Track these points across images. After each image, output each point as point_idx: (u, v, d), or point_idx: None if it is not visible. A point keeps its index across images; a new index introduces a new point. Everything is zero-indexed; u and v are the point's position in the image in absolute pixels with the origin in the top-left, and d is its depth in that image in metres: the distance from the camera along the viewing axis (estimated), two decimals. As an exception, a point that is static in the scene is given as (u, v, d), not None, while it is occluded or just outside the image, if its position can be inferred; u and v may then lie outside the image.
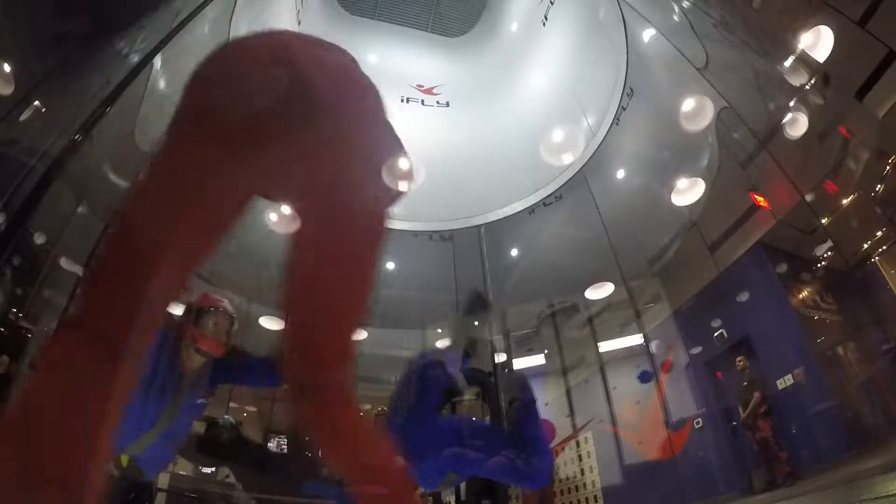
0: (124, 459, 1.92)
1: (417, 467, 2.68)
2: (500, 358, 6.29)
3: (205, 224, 0.94)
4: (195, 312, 1.85)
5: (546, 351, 6.77)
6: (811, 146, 4.12)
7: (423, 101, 7.28)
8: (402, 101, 7.09)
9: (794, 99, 3.88)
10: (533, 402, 3.02)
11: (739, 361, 5.08)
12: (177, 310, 1.72)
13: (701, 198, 5.29)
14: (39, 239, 3.34)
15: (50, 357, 0.88)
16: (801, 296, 5.08)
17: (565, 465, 6.51)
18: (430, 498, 4.58)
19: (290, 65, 0.91)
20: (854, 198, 4.27)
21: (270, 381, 2.01)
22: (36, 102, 2.90)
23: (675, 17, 4.88)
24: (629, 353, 6.25)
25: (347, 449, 1.05)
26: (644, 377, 5.92)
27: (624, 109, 5.66)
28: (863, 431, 4.18)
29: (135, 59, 3.69)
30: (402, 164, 0.83)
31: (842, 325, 5.04)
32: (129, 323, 0.86)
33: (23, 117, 2.85)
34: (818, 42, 3.34)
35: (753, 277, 5.16)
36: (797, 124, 3.89)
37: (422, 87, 7.42)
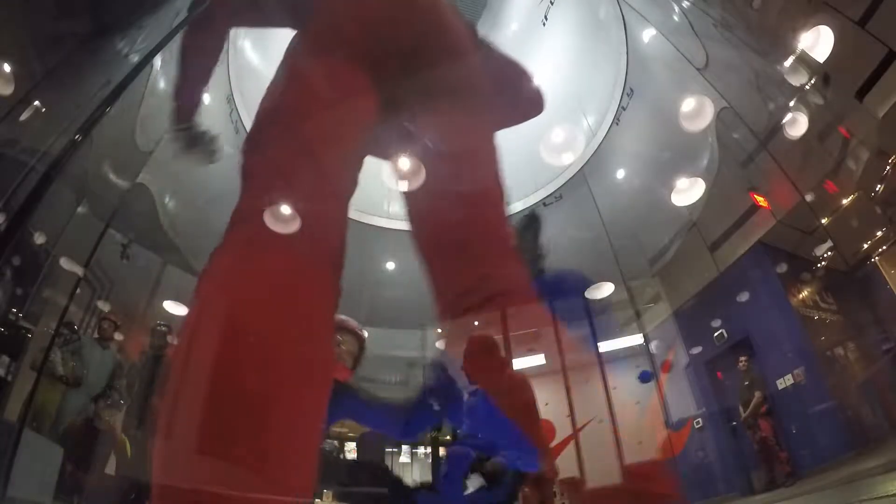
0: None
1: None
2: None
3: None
4: None
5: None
6: (811, 146, 4.12)
7: (423, 101, 7.29)
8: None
9: (794, 99, 3.87)
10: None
11: (742, 361, 5.08)
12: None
13: (701, 198, 5.28)
14: (39, 239, 3.34)
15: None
16: (801, 296, 5.08)
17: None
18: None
19: None
20: (854, 198, 4.26)
21: (396, 432, 1.97)
22: (36, 102, 2.89)
23: (675, 17, 4.88)
24: (629, 353, 6.25)
25: None
26: (644, 377, 5.92)
27: (624, 109, 5.66)
28: (863, 431, 4.18)
29: (135, 59, 3.69)
30: (404, 164, 0.85)
31: (842, 325, 5.05)
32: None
33: (23, 117, 2.85)
34: (818, 42, 3.34)
35: (753, 277, 5.16)
36: (797, 124, 3.88)
37: (422, 87, 7.41)
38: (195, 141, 1.31)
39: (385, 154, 1.25)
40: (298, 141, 0.95)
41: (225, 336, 0.74)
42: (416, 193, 1.17)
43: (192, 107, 1.31)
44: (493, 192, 1.15)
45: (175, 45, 3.97)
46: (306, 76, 1.08)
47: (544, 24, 6.73)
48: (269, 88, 1.08)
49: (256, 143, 1.02)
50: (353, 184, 1.07)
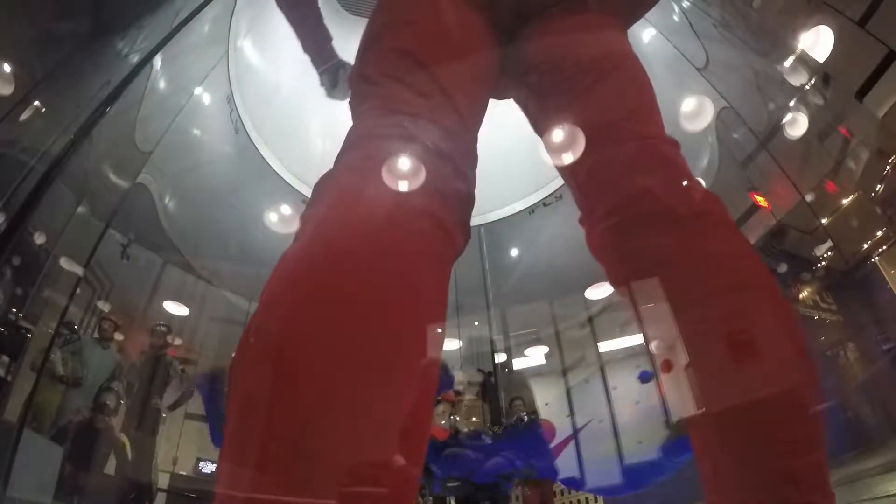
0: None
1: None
2: (500, 358, 6.29)
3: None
4: None
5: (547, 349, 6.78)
6: (811, 146, 4.12)
7: (423, 101, 7.28)
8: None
9: (794, 99, 3.87)
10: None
11: (741, 361, 5.08)
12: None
13: (701, 198, 5.28)
14: (39, 239, 3.34)
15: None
16: (801, 296, 5.07)
17: (565, 465, 6.51)
18: (431, 499, 4.58)
19: None
20: (854, 198, 4.26)
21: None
22: (36, 102, 2.89)
23: (675, 17, 4.88)
24: (629, 352, 6.25)
25: None
26: (644, 377, 5.92)
27: (624, 109, 5.66)
28: (863, 431, 4.18)
29: (135, 59, 3.69)
30: (404, 164, 0.83)
31: (842, 325, 5.04)
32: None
33: (23, 117, 2.85)
34: (818, 42, 3.34)
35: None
36: (797, 124, 3.88)
37: (422, 87, 7.41)
38: (335, 79, 1.26)
39: (504, 94, 1.16)
40: (417, 69, 0.85)
41: (326, 268, 0.61)
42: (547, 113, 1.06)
43: (321, 52, 1.26)
44: (642, 87, 1.02)
45: (178, 43, 3.98)
46: (408, 7, 0.99)
47: (544, 24, 6.72)
48: (370, 21, 0.99)
49: (366, 69, 0.92)
50: (479, 122, 0.96)
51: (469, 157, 0.87)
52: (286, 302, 0.60)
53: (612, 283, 0.96)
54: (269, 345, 0.57)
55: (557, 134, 1.04)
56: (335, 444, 0.53)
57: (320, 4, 1.37)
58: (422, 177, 0.73)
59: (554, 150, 1.04)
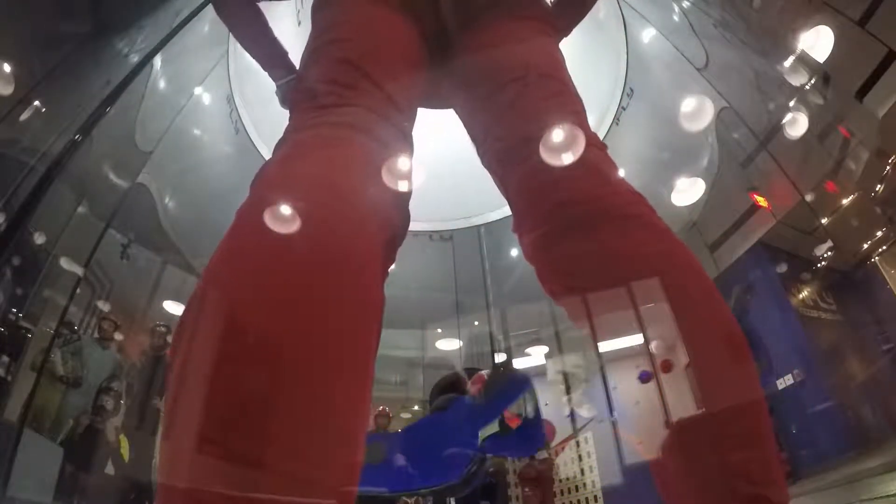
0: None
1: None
2: (501, 358, 6.29)
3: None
4: None
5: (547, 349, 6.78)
6: (811, 146, 4.12)
7: (422, 101, 7.28)
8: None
9: (794, 99, 3.87)
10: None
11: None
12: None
13: (701, 198, 5.28)
14: (39, 239, 3.34)
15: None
16: (801, 296, 5.08)
17: (565, 465, 6.52)
18: (431, 498, 4.58)
19: None
20: (854, 198, 4.27)
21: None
22: (36, 102, 2.90)
23: (675, 17, 4.88)
24: (629, 352, 6.25)
25: None
26: (644, 377, 5.93)
27: (624, 109, 5.66)
28: (863, 431, 4.18)
29: (135, 59, 3.69)
30: (402, 164, 0.83)
31: (842, 325, 5.05)
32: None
33: (23, 117, 2.85)
34: (818, 42, 3.34)
35: (753, 277, 5.16)
36: (797, 124, 3.88)
37: (422, 87, 7.41)
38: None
39: (442, 101, 1.17)
40: (351, 70, 0.86)
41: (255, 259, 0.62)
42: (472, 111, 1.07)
43: (277, 66, 1.26)
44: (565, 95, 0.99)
45: (178, 43, 3.99)
46: (341, 14, 1.00)
47: (544, 24, 6.72)
48: (306, 47, 1.01)
49: (305, 82, 0.94)
50: (413, 114, 0.98)
51: (404, 141, 0.88)
52: (219, 288, 0.60)
53: (547, 290, 0.93)
54: (202, 327, 0.57)
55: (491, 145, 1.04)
56: (268, 429, 0.52)
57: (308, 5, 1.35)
58: (354, 159, 0.73)
59: (488, 161, 1.05)
